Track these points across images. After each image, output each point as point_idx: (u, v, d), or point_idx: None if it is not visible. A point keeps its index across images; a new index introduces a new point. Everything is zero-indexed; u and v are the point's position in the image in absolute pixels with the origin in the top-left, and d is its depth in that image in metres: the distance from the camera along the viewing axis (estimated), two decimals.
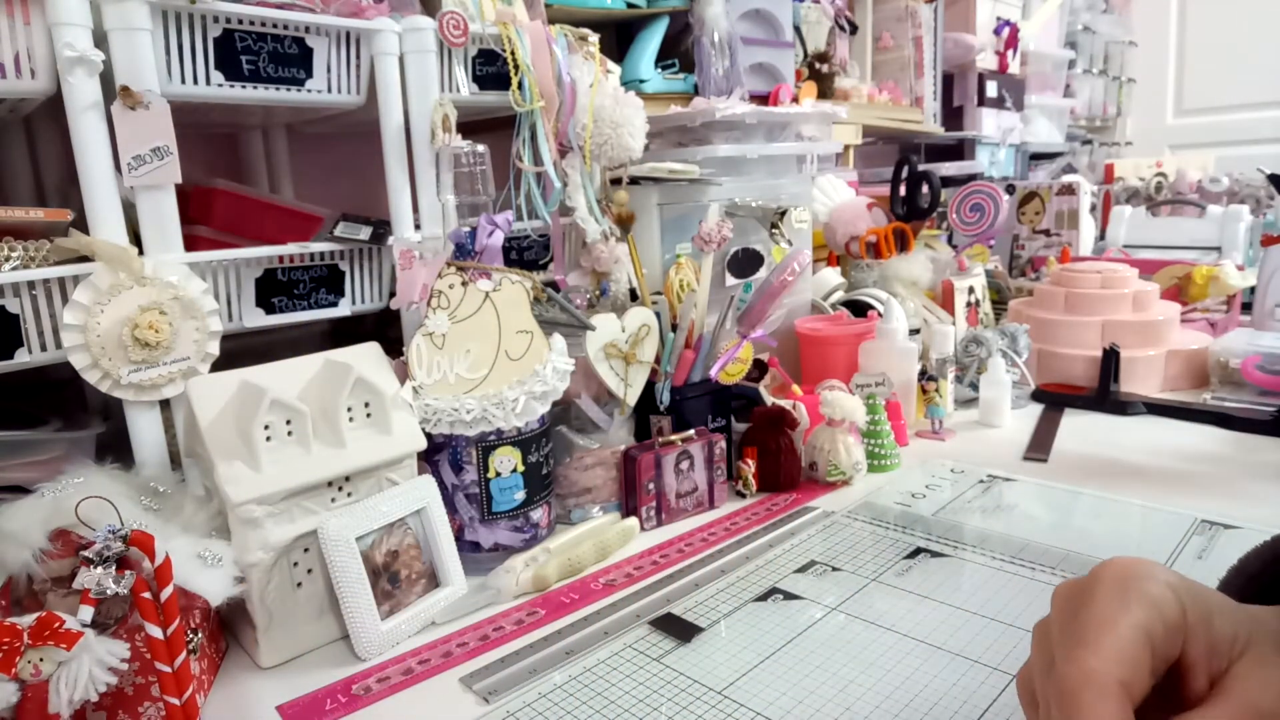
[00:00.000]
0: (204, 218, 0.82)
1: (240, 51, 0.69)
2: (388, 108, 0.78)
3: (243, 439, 0.60)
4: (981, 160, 2.22)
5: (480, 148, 0.77)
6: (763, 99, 1.31)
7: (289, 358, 0.67)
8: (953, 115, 2.13)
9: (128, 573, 0.48)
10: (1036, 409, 1.13)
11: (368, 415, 0.66)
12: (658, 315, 0.86)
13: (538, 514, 0.76)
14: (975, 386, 1.12)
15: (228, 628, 0.64)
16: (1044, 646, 0.35)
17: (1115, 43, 2.90)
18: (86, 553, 0.48)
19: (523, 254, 0.92)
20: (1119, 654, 0.31)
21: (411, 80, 0.78)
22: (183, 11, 0.65)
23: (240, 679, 0.60)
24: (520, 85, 0.82)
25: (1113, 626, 0.32)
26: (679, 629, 0.62)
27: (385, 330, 0.87)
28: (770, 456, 0.88)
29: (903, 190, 1.34)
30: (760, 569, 0.71)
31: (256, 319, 0.75)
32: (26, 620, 0.45)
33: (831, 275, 1.35)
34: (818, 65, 1.60)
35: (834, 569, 0.71)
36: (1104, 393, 1.12)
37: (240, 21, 0.68)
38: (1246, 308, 1.43)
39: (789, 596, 0.66)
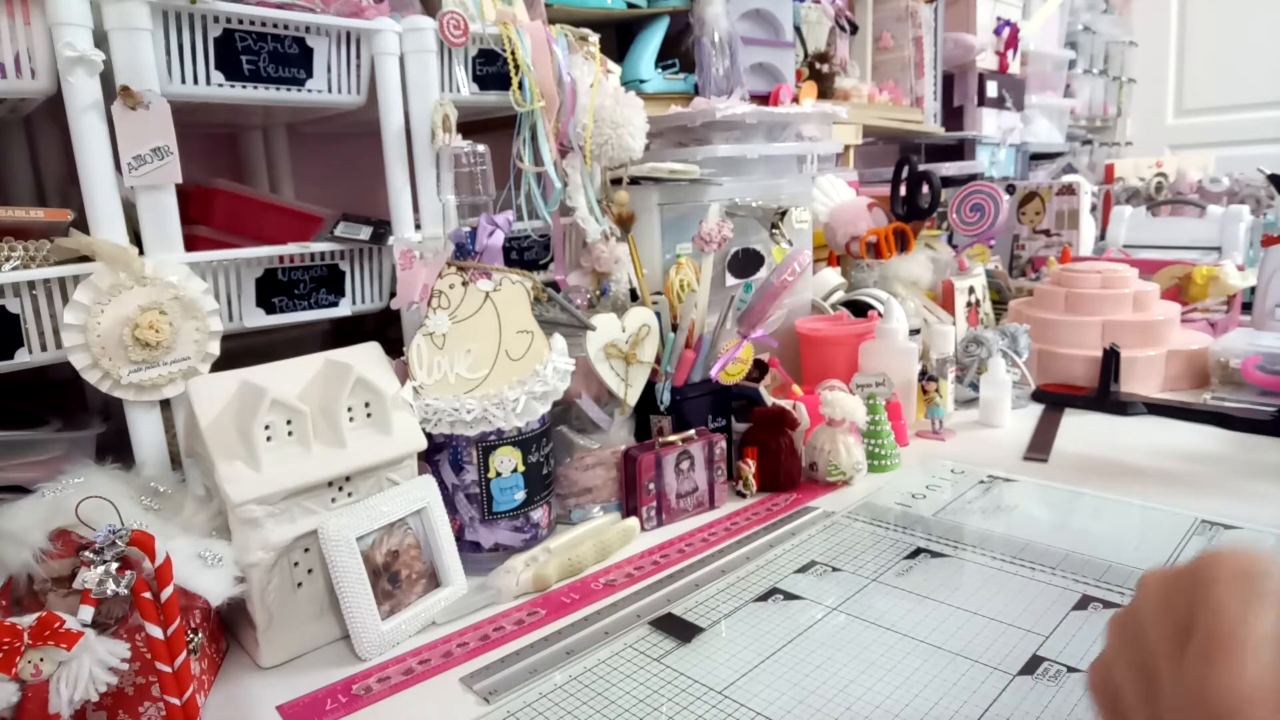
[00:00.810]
0: (204, 218, 0.82)
1: (240, 51, 0.69)
2: (388, 108, 0.78)
3: (243, 439, 0.60)
4: (982, 160, 2.22)
5: (480, 148, 0.77)
6: (763, 99, 1.31)
7: (289, 358, 0.67)
8: (953, 115, 2.13)
9: (128, 573, 0.48)
10: (1037, 409, 1.13)
11: (368, 415, 0.66)
12: (658, 315, 0.86)
13: (538, 514, 0.76)
14: (975, 386, 1.12)
15: (228, 628, 0.64)
16: (1131, 642, 0.32)
17: (1115, 43, 2.90)
18: (87, 553, 0.48)
19: (523, 254, 0.92)
20: (1269, 667, 0.27)
21: (412, 80, 0.78)
22: (183, 11, 0.65)
23: (240, 679, 0.60)
24: (520, 85, 0.82)
25: (1252, 634, 0.28)
26: (679, 629, 0.62)
27: (385, 330, 0.87)
28: (770, 456, 0.88)
29: (903, 190, 1.34)
30: (760, 569, 0.71)
31: (257, 319, 0.75)
32: (27, 620, 0.45)
33: (832, 275, 1.35)
34: (818, 65, 1.60)
35: (834, 569, 0.71)
36: (1104, 393, 1.12)
37: (240, 21, 0.68)
38: (1246, 308, 1.43)
39: (789, 596, 0.66)
